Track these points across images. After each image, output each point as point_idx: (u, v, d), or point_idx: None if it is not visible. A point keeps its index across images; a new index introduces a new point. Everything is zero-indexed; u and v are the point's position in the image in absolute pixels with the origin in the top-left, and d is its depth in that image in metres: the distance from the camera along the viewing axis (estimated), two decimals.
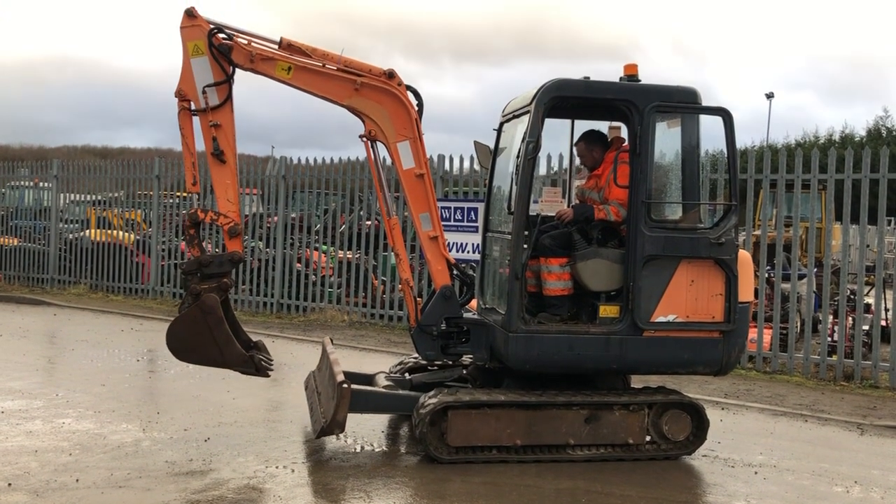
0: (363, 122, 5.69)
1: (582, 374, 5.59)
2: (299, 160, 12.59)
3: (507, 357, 5.34)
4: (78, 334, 10.05)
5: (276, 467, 5.06)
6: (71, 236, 14.63)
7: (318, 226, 12.45)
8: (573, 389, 5.43)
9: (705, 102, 5.40)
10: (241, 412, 6.39)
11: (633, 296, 5.30)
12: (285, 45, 5.57)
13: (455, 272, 5.83)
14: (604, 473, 5.19)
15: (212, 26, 5.43)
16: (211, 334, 5.29)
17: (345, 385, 5.04)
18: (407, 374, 6.04)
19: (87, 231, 14.42)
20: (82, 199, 15.24)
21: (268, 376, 5.52)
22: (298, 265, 12.15)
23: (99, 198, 14.88)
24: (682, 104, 5.37)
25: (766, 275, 9.19)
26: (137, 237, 13.88)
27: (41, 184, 15.37)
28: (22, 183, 15.72)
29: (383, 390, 5.58)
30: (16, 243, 15.00)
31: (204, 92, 5.46)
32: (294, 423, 6.13)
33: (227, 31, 5.47)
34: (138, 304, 13.06)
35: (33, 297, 13.58)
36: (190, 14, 5.47)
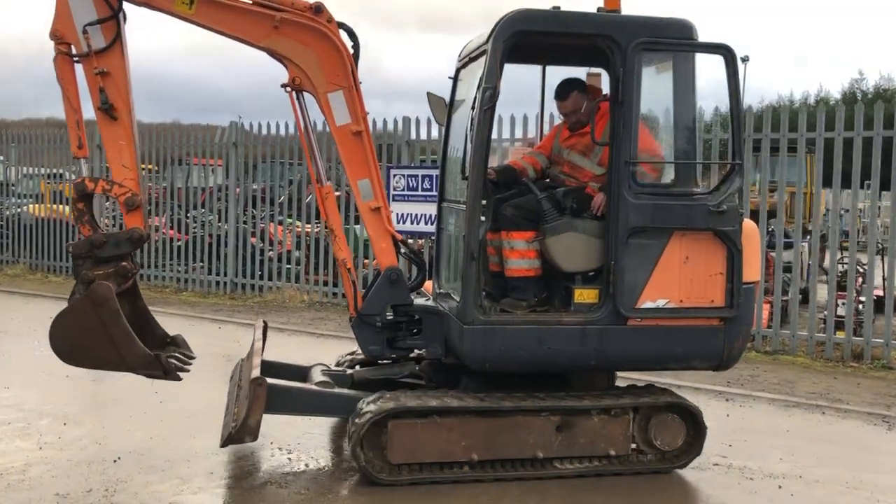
0: (286, 67, 4.67)
1: (555, 373, 4.65)
2: (257, 126, 11.47)
3: (462, 354, 4.38)
4: None
5: (197, 495, 4.11)
6: (8, 212, 13.38)
7: (283, 198, 11.41)
8: (544, 390, 4.49)
9: None
10: (167, 420, 5.39)
11: (615, 277, 4.33)
12: None
13: (403, 250, 4.86)
14: (582, 493, 4.28)
15: None
16: (105, 331, 4.30)
17: (260, 383, 4.11)
18: (349, 369, 5.07)
19: (29, 206, 13.22)
20: (36, 172, 14.07)
21: (179, 379, 4.51)
22: (253, 240, 11.11)
23: (57, 171, 13.70)
24: (675, 40, 4.35)
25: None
26: None
27: None
28: None
29: (313, 388, 4.59)
30: None
31: (85, 32, 4.42)
32: None
33: None
34: None
35: None
36: None
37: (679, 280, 4.41)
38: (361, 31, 4.72)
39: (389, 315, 4.71)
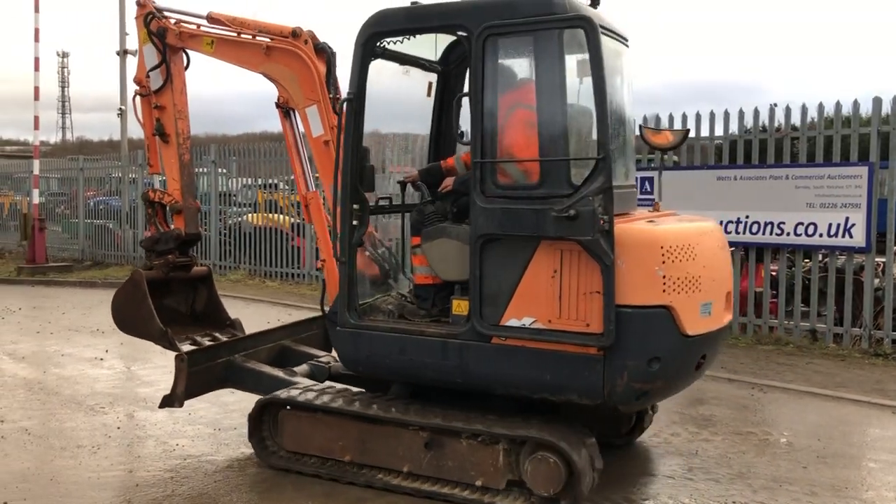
0: (277, 89, 5.31)
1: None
2: None
3: (338, 355, 4.48)
4: None
5: None
6: (231, 221, 14.08)
7: None
8: (513, 410, 4.16)
9: None
10: None
11: (472, 290, 3.94)
12: (211, 19, 5.51)
13: (368, 253, 5.05)
14: None
15: (147, 11, 5.63)
16: (138, 307, 5.56)
17: (182, 359, 4.84)
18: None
19: (248, 215, 14.03)
20: (253, 183, 14.78)
21: (180, 352, 5.47)
22: None
23: (272, 181, 14.38)
24: (524, 19, 3.73)
25: None
26: (294, 221, 13.22)
27: (202, 169, 14.57)
28: (200, 170, 14.59)
29: (253, 366, 5.06)
30: None
31: (147, 76, 5.73)
32: None
33: (159, 13, 5.62)
34: (291, 291, 12.16)
35: None
36: (140, 3, 5.76)
37: (547, 297, 3.79)
38: None
39: None
